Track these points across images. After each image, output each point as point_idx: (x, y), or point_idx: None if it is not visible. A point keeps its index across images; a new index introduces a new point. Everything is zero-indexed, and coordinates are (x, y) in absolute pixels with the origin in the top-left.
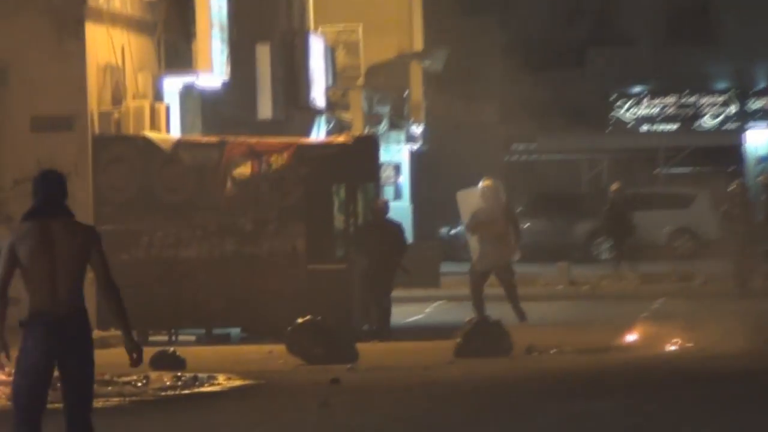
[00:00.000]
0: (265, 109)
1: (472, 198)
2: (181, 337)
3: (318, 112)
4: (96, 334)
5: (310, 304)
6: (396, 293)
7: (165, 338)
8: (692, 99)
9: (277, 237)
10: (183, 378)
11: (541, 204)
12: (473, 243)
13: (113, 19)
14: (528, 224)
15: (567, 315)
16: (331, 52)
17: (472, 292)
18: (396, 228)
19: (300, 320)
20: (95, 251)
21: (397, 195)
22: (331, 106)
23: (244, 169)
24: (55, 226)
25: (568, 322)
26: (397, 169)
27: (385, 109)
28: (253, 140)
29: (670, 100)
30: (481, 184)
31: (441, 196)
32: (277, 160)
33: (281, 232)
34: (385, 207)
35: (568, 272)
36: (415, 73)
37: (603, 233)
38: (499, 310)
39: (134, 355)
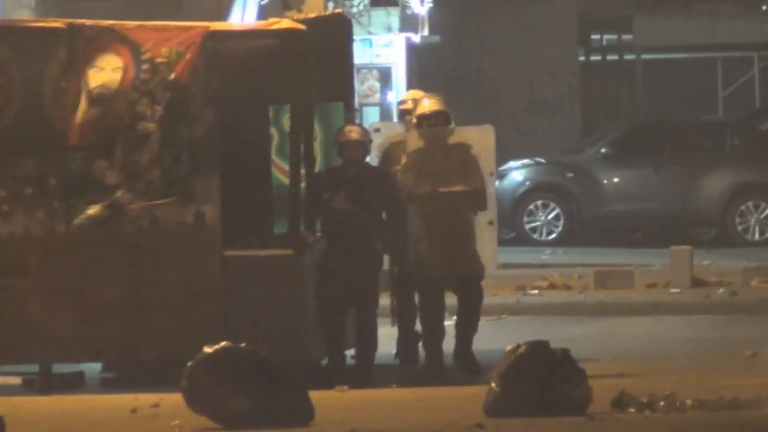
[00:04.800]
0: None
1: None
2: None
3: None
4: None
5: (227, 319)
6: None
7: None
8: None
9: (169, 199)
10: None
11: (641, 143)
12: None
13: None
14: (615, 179)
15: (685, 339)
16: None
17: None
18: (380, 179)
19: (208, 349)
20: None
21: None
22: None
23: (110, 75)
24: None
25: (688, 353)
26: (385, 77)
27: None
28: (127, 24)
29: None
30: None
31: (470, 121)
32: (169, 60)
33: (177, 191)
34: (359, 140)
35: (691, 264)
36: None
37: (752, 195)
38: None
39: None
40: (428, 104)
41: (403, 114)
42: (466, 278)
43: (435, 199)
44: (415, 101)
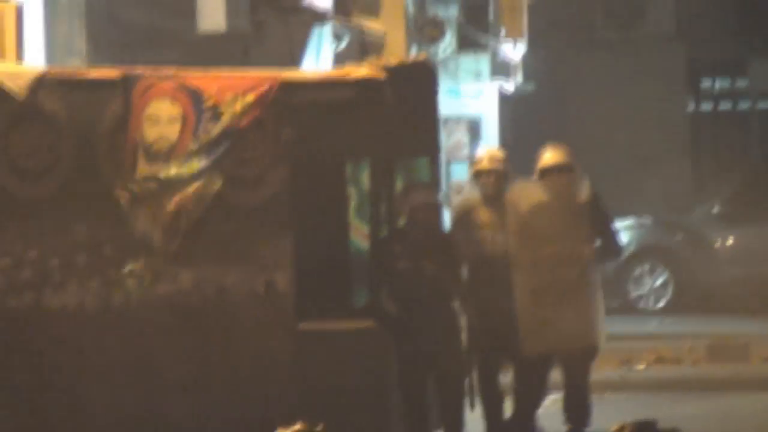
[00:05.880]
0: (212, 12)
1: (532, 194)
2: None
3: (319, 18)
4: None
5: (301, 399)
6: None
7: None
8: None
9: (236, 266)
10: None
11: (759, 200)
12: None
13: None
14: (731, 240)
15: None
16: None
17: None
18: (446, 247)
19: (283, 431)
20: None
21: None
22: (346, 5)
23: (169, 129)
24: None
25: None
26: (474, 129)
27: (449, 12)
28: (191, 74)
29: None
30: (548, 156)
31: None
32: (236, 112)
33: (245, 258)
34: (436, 203)
35: None
36: None
37: None
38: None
39: None
40: (550, 156)
41: (479, 175)
42: (571, 355)
43: (537, 261)
44: (480, 159)
